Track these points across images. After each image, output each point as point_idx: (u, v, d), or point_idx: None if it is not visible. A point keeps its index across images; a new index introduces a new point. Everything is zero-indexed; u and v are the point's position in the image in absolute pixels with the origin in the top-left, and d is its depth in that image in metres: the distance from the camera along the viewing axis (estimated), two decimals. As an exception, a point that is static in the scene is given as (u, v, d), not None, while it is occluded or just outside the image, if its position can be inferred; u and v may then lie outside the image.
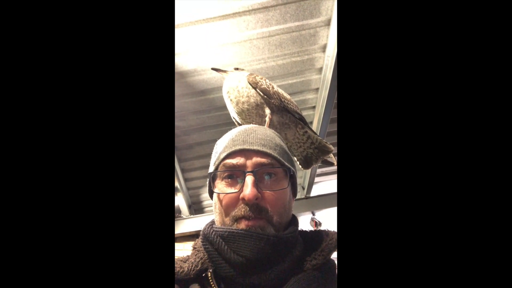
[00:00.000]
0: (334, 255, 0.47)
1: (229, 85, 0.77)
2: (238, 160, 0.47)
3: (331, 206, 2.25)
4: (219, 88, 1.85)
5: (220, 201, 0.47)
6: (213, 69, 0.86)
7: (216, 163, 0.49)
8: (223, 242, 0.44)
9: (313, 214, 2.14)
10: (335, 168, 2.23)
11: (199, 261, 0.47)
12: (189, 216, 2.33)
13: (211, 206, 0.52)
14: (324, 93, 1.69)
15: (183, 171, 2.12)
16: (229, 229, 0.44)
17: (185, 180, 2.17)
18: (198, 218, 2.31)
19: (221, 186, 0.48)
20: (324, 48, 1.56)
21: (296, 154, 0.83)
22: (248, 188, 0.44)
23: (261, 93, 0.72)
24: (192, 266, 0.46)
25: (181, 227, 2.29)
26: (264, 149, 0.48)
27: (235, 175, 0.48)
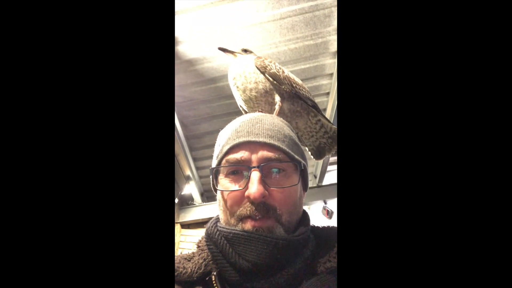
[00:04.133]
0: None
1: (235, 71, 0.73)
2: (242, 154, 0.42)
3: (344, 195, 2.20)
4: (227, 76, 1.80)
5: (224, 199, 0.44)
6: (220, 48, 0.81)
7: (219, 157, 0.45)
8: (228, 244, 0.41)
9: (325, 203, 2.09)
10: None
11: (202, 262, 0.43)
12: (202, 204, 2.35)
13: None
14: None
15: (194, 160, 2.12)
16: (233, 230, 0.41)
17: (197, 168, 2.17)
18: (210, 206, 2.33)
19: (224, 182, 0.44)
20: (339, 30, 1.47)
21: (308, 144, 0.79)
22: (254, 185, 0.40)
23: (270, 78, 0.67)
24: (195, 267, 0.42)
25: (194, 214, 2.32)
26: (272, 141, 0.43)
27: (239, 170, 0.43)
